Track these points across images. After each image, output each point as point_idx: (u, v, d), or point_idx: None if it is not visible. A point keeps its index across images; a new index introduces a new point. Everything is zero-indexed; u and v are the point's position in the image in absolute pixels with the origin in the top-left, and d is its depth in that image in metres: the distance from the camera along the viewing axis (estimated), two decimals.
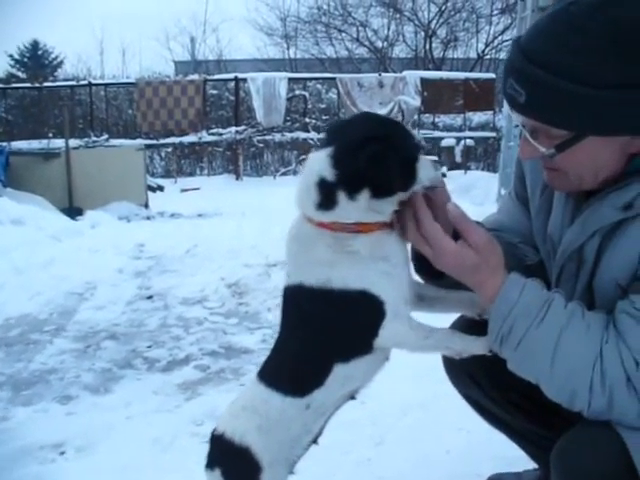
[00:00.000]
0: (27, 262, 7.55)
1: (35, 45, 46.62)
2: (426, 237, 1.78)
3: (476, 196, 12.00)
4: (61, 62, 44.54)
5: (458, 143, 19.56)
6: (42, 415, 4.08)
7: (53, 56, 46.42)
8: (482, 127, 20.07)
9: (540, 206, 2.08)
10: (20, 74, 32.23)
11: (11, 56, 43.39)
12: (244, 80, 18.94)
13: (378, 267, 1.81)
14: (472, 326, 1.94)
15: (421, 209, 1.79)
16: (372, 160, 1.70)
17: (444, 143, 19.70)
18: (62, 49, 44.21)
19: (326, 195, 1.78)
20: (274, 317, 5.66)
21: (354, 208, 1.77)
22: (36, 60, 45.54)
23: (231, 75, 20.01)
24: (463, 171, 17.91)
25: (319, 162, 1.78)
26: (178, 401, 4.24)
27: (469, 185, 13.84)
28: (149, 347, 5.28)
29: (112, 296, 6.75)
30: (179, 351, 5.20)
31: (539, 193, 2.09)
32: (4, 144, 14.40)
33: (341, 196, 1.76)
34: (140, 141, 17.86)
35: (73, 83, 20.15)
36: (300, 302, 1.89)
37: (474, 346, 1.87)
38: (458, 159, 19.45)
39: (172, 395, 4.34)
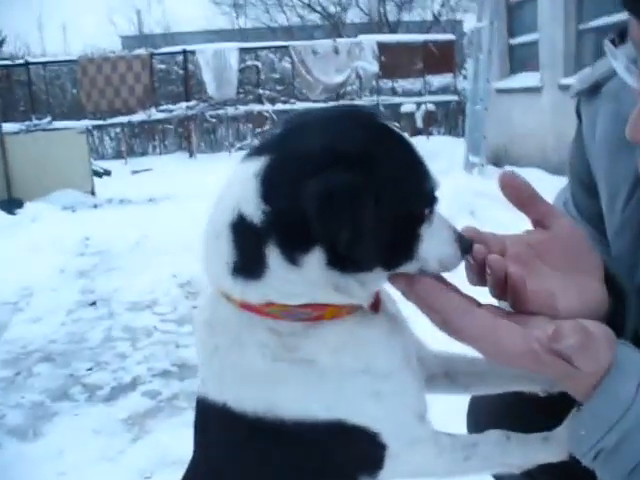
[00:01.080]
0: None
1: None
2: (455, 329, 1.08)
3: (441, 163, 11.31)
4: (2, 41, 43.31)
5: (418, 108, 18.92)
6: None
7: None
8: (443, 91, 19.39)
9: (623, 223, 1.39)
10: None
11: None
12: (193, 53, 18.07)
13: (357, 385, 1.10)
14: (517, 403, 1.34)
15: (431, 292, 1.10)
16: (330, 201, 0.96)
17: (404, 109, 19.07)
18: (2, 27, 42.92)
19: (248, 250, 1.04)
20: None
21: (299, 280, 1.04)
22: None
23: (179, 48, 19.08)
24: (425, 137, 17.30)
25: (240, 186, 1.05)
26: (122, 444, 3.57)
27: (433, 152, 13.19)
28: (89, 370, 4.58)
29: (51, 304, 6.01)
30: (124, 373, 4.53)
31: (621, 205, 1.40)
32: None
33: (274, 255, 1.02)
34: (87, 122, 17.08)
35: (8, 62, 19.03)
36: (226, 433, 1.17)
37: (543, 454, 1.21)
38: (419, 124, 18.83)
39: (116, 435, 3.69)
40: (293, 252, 1.01)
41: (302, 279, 1.02)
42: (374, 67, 17.71)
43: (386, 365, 1.12)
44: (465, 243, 1.13)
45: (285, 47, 19.02)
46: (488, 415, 1.58)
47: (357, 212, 0.96)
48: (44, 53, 28.35)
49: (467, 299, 1.10)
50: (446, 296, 1.08)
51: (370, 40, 18.04)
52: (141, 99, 17.72)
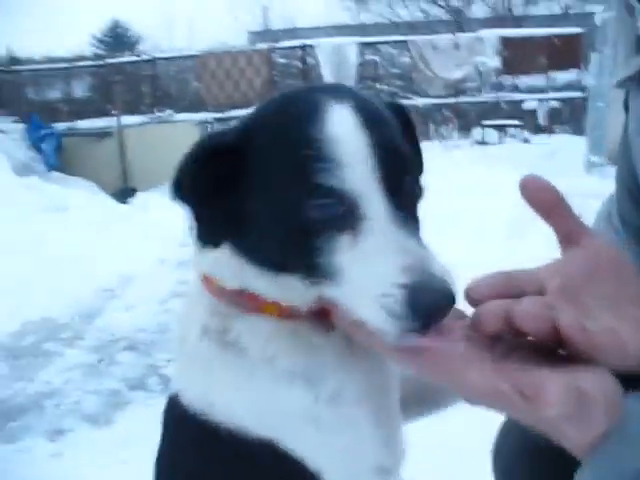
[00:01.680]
0: (61, 254, 6.94)
1: (115, 24, 47.53)
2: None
3: (560, 163, 10.85)
4: (139, 38, 45.18)
5: (541, 105, 18.23)
6: (23, 456, 3.42)
7: (131, 33, 47.27)
8: (568, 87, 18.63)
9: None
10: (102, 53, 32.30)
11: (93, 36, 44.21)
12: (312, 47, 18.07)
13: (293, 397, 0.94)
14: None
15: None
16: (181, 164, 0.93)
17: (526, 106, 18.44)
18: (140, 26, 44.81)
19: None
20: None
21: (221, 259, 0.96)
22: (117, 38, 46.49)
23: (299, 42, 19.11)
24: (547, 135, 16.69)
25: None
26: None
27: (553, 151, 12.76)
28: (169, 361, 4.55)
29: (146, 293, 6.10)
30: None
31: None
32: (54, 126, 13.88)
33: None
34: (206, 115, 17.31)
35: (136, 58, 19.65)
36: (173, 429, 1.09)
37: None
38: (541, 122, 18.17)
39: None
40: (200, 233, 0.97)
41: (225, 258, 0.96)
42: (495, 62, 17.19)
43: (334, 384, 0.95)
44: (427, 294, 0.76)
45: (404, 42, 18.74)
46: (514, 457, 1.41)
47: (187, 185, 0.91)
48: (172, 49, 29.12)
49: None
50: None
51: (491, 34, 17.52)
52: (260, 93, 17.87)
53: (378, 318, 0.77)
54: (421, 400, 1.20)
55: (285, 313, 0.96)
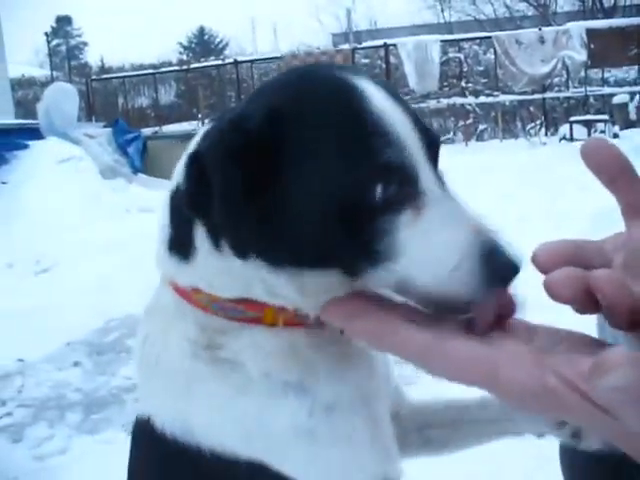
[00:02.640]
0: (144, 254, 7.06)
1: (201, 31, 48.63)
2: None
3: None
4: (226, 45, 46.06)
5: (632, 99, 17.66)
6: (104, 448, 3.50)
7: (218, 39, 48.23)
8: None
9: None
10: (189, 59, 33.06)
11: (180, 43, 45.37)
12: (395, 46, 18.01)
13: (286, 411, 0.88)
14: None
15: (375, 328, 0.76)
16: (192, 167, 0.82)
17: (616, 100, 17.88)
18: (225, 32, 45.69)
19: (180, 227, 0.91)
20: None
21: (221, 269, 0.87)
22: (203, 45, 47.53)
23: (380, 42, 19.09)
24: (638, 129, 16.15)
25: (187, 151, 0.89)
26: None
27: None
28: None
29: None
30: None
31: None
32: (141, 130, 14.26)
33: (200, 234, 0.88)
34: None
35: (219, 62, 19.98)
36: (146, 456, 1.03)
37: None
38: (632, 116, 17.60)
39: None
40: (214, 231, 0.85)
41: (227, 267, 0.85)
42: (582, 56, 16.74)
43: (329, 395, 0.89)
44: (498, 257, 0.75)
45: (488, 38, 18.47)
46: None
47: (220, 187, 0.77)
48: (257, 53, 29.50)
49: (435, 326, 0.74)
50: (399, 334, 0.74)
51: (578, 27, 17.07)
52: None
53: (455, 286, 0.75)
54: (426, 438, 1.13)
55: (288, 320, 0.90)
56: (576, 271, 0.71)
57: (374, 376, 0.97)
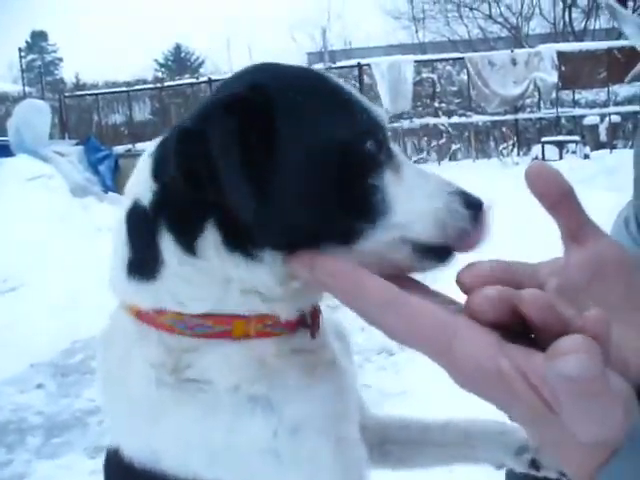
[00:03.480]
0: None
1: (178, 49, 48.69)
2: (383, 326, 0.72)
3: (622, 179, 10.58)
4: (202, 62, 46.11)
5: (602, 120, 17.89)
6: (65, 473, 3.46)
7: (194, 57, 48.31)
8: (630, 101, 18.25)
9: None
10: (163, 76, 33.05)
11: (156, 61, 45.36)
12: (369, 66, 18.10)
13: (252, 430, 0.86)
14: None
15: (339, 274, 0.76)
16: (184, 136, 0.78)
17: (586, 121, 18.10)
18: (201, 50, 45.78)
19: (141, 242, 0.89)
20: None
21: (193, 276, 0.85)
22: (179, 62, 47.58)
23: (354, 62, 19.18)
24: (608, 151, 16.36)
25: (136, 172, 0.92)
26: None
27: (614, 167, 12.46)
28: None
29: None
30: None
31: None
32: (112, 148, 14.18)
33: (166, 242, 0.85)
34: None
35: (193, 80, 19.99)
36: None
37: None
38: (603, 138, 17.82)
39: None
40: (185, 235, 0.83)
41: (200, 273, 0.84)
42: (553, 78, 16.93)
43: (295, 414, 0.88)
44: (472, 200, 0.85)
45: (461, 59, 18.63)
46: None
47: (221, 145, 0.76)
48: (232, 72, 29.59)
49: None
50: (363, 281, 0.73)
51: (549, 49, 17.27)
52: None
53: (449, 224, 0.83)
54: (385, 452, 1.14)
55: (258, 332, 0.89)
56: (501, 291, 0.68)
57: (344, 390, 0.96)
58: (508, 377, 0.64)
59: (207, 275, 0.84)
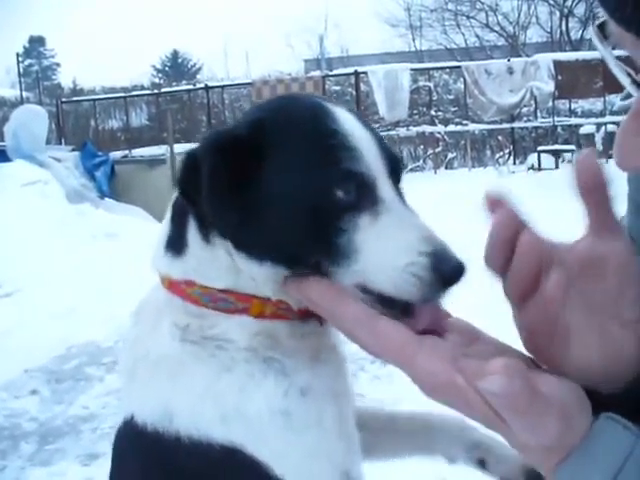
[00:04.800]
0: (110, 281, 7.02)
1: (175, 54, 48.70)
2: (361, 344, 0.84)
3: (615, 189, 10.57)
4: (199, 69, 46.16)
5: (598, 130, 17.93)
6: None
7: (192, 63, 48.33)
8: (626, 111, 18.15)
9: None
10: (161, 83, 33.09)
11: (154, 66, 45.38)
12: (365, 74, 18.14)
13: (265, 390, 0.95)
14: None
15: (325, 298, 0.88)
16: (187, 164, 0.94)
17: (583, 130, 18.16)
18: (199, 56, 45.85)
19: (176, 225, 1.03)
20: None
21: (210, 260, 0.97)
22: (177, 68, 47.59)
23: (351, 69, 19.22)
24: (605, 160, 16.39)
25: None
26: None
27: (610, 176, 12.46)
28: None
29: None
30: None
31: None
32: (109, 154, 14.15)
33: (191, 230, 0.99)
34: None
35: (190, 87, 20.01)
36: (126, 458, 1.05)
37: None
38: (599, 147, 17.85)
39: None
40: (204, 227, 0.96)
41: (214, 258, 0.96)
42: (550, 87, 16.97)
43: (304, 380, 0.96)
44: (446, 260, 0.84)
45: (458, 67, 18.68)
46: None
47: (205, 169, 0.90)
48: (229, 78, 29.59)
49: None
50: (342, 303, 0.84)
51: (546, 58, 17.32)
52: None
53: (405, 285, 0.83)
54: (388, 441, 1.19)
55: (273, 313, 0.98)
56: (515, 220, 0.80)
57: (343, 374, 1.06)
58: (462, 390, 0.73)
59: (220, 261, 0.95)
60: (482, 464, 1.11)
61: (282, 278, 0.92)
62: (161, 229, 1.05)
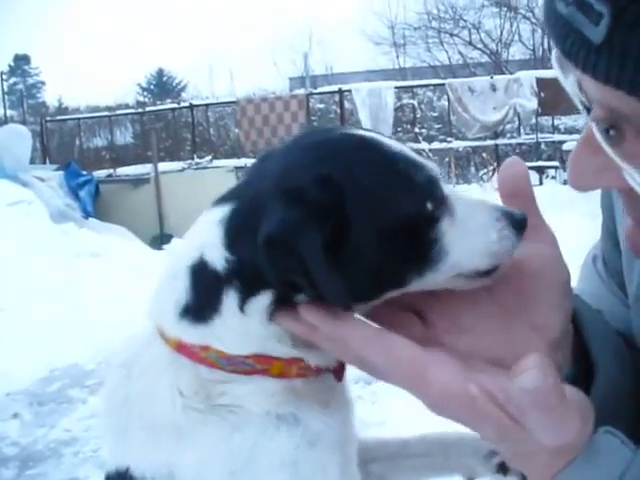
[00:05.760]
0: (93, 301, 7.00)
1: (160, 73, 48.76)
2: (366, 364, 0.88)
3: (598, 206, 10.67)
4: (184, 87, 46.23)
5: None
6: None
7: (177, 81, 48.40)
8: None
9: None
10: (146, 101, 33.10)
11: (139, 85, 45.40)
12: (349, 92, 18.22)
13: (276, 444, 0.95)
14: None
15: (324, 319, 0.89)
16: (272, 248, 0.88)
17: (566, 147, 18.24)
18: (184, 74, 45.90)
19: (204, 294, 0.96)
20: None
21: (240, 329, 0.94)
22: (161, 87, 47.64)
23: (335, 87, 19.31)
24: None
25: (204, 232, 0.98)
26: None
27: (593, 193, 12.48)
28: None
29: None
30: None
31: None
32: (93, 173, 14.13)
33: (229, 302, 0.94)
34: (245, 161, 17.48)
35: (175, 106, 20.04)
36: None
37: None
38: None
39: None
40: (248, 300, 0.92)
41: (246, 329, 0.93)
42: (533, 104, 17.10)
43: (314, 430, 0.96)
44: (517, 218, 0.93)
45: (442, 85, 18.80)
46: None
47: (304, 253, 0.85)
48: (214, 96, 29.64)
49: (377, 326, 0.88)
50: (347, 325, 0.87)
51: (528, 76, 17.46)
52: None
53: (503, 249, 0.92)
54: (365, 473, 1.15)
55: (295, 372, 0.98)
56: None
57: (350, 422, 1.06)
58: (477, 399, 0.76)
59: (250, 330, 0.93)
60: (503, 469, 1.11)
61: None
62: (167, 290, 1.00)
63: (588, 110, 0.82)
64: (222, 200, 0.99)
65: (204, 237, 0.97)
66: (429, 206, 0.91)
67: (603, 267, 1.27)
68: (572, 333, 0.97)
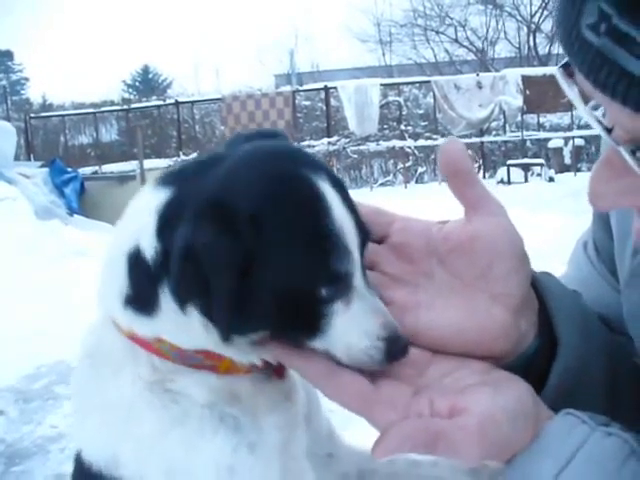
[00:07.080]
0: (79, 299, 6.96)
1: (146, 70, 48.56)
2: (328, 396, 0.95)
3: (584, 202, 10.70)
4: (170, 84, 46.09)
5: (567, 143, 18.17)
6: None
7: (162, 78, 48.21)
8: None
9: (633, 271, 1.11)
10: (131, 98, 32.94)
11: (124, 81, 45.20)
12: (335, 89, 18.24)
13: (213, 446, 0.96)
14: None
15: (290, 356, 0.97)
16: (187, 261, 0.87)
17: (551, 144, 18.42)
18: (169, 71, 45.78)
19: (142, 285, 0.95)
20: None
21: (186, 326, 0.93)
22: (147, 83, 47.44)
23: (321, 84, 19.32)
24: (573, 173, 16.62)
25: (141, 217, 0.95)
26: None
27: (578, 190, 12.62)
28: None
29: None
30: None
31: (631, 251, 1.11)
32: (78, 170, 14.06)
33: (166, 296, 0.93)
34: None
35: (160, 102, 19.98)
36: None
37: None
38: (567, 161, 18.10)
39: None
40: (181, 300, 0.91)
41: (190, 326, 0.92)
42: (518, 101, 17.18)
43: (254, 436, 0.97)
44: (397, 343, 0.94)
45: (428, 82, 18.84)
46: None
47: (214, 281, 0.86)
48: (199, 93, 29.55)
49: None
50: (306, 360, 0.94)
51: (514, 73, 17.55)
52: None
53: (362, 361, 0.93)
54: None
55: (237, 368, 0.99)
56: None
57: (299, 419, 1.07)
58: (416, 437, 0.84)
59: (195, 329, 0.92)
60: None
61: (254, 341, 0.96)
62: (108, 278, 0.99)
63: (609, 131, 0.81)
64: (165, 181, 0.97)
65: (141, 222, 0.94)
66: (325, 291, 0.92)
67: (594, 253, 1.28)
68: (535, 298, 1.00)
